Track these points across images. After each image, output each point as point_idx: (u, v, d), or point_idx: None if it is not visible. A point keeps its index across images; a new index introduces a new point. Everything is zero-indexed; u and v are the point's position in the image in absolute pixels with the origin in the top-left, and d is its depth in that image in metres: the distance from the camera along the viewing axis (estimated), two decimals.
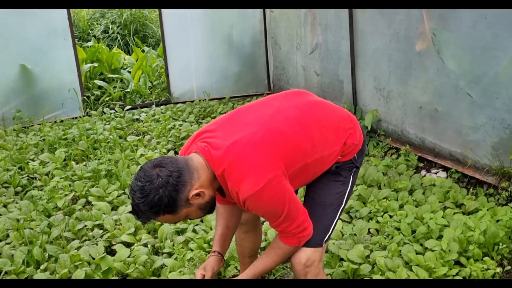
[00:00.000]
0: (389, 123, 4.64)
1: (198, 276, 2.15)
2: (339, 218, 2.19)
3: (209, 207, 1.97)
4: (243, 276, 2.11)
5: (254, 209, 1.94)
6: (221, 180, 1.93)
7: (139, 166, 2.02)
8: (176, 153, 4.97)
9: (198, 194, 1.88)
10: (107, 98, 6.92)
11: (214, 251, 2.27)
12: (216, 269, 2.20)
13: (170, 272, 2.88)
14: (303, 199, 2.25)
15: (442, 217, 3.26)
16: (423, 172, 4.20)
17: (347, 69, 5.06)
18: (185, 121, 5.83)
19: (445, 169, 4.13)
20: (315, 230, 2.07)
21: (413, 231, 3.23)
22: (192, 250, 3.12)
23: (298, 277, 2.12)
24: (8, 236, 3.34)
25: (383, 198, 3.68)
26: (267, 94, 6.87)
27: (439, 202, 3.54)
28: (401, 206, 3.57)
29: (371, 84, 4.77)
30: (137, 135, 5.54)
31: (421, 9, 3.96)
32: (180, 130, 5.40)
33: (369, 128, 4.62)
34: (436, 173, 4.13)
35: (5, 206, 3.81)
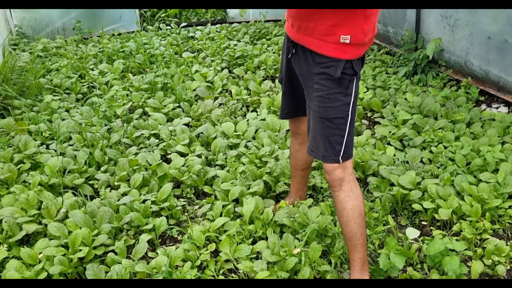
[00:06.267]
0: (452, 54, 4.45)
1: None
2: (350, 133, 2.15)
3: None
4: None
5: None
6: None
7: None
8: (230, 71, 4.98)
9: None
10: (163, 15, 6.91)
11: None
12: None
13: (222, 182, 2.97)
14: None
15: (500, 151, 3.18)
16: (483, 106, 4.06)
17: None
18: (240, 41, 5.78)
19: (507, 104, 3.97)
20: (325, 146, 2.11)
21: (468, 163, 3.18)
22: (244, 164, 3.19)
23: (333, 191, 2.20)
24: (71, 138, 3.51)
25: (439, 129, 3.60)
26: None
27: (498, 136, 3.44)
28: (457, 138, 3.49)
29: (437, 11, 4.54)
30: (192, 52, 5.56)
31: None
32: (234, 49, 5.37)
33: (430, 57, 4.44)
34: (497, 108, 3.98)
35: (67, 110, 3.98)
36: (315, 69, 2.11)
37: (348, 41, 2.03)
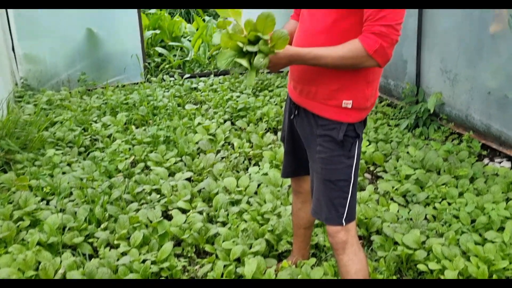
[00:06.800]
0: (453, 107, 4.48)
1: None
2: (353, 195, 2.14)
3: None
4: (298, 49, 1.91)
5: None
6: None
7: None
8: (233, 123, 5.01)
9: None
10: (167, 66, 7.02)
11: None
12: None
13: (223, 241, 2.93)
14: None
15: (505, 208, 3.14)
16: (486, 161, 4.05)
17: (412, 48, 4.89)
18: (243, 93, 5.84)
19: (510, 159, 3.95)
20: (328, 209, 2.11)
21: (473, 221, 3.14)
22: (245, 221, 3.15)
23: (336, 254, 2.17)
24: (71, 194, 3.49)
25: (442, 184, 3.58)
26: None
27: (502, 193, 3.41)
28: (460, 194, 3.46)
29: (437, 66, 4.60)
30: (195, 104, 5.61)
31: None
32: (237, 101, 5.41)
33: (431, 111, 4.47)
34: (500, 163, 3.97)
35: (69, 165, 3.97)
36: (317, 131, 2.11)
37: (350, 106, 2.04)
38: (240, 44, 1.80)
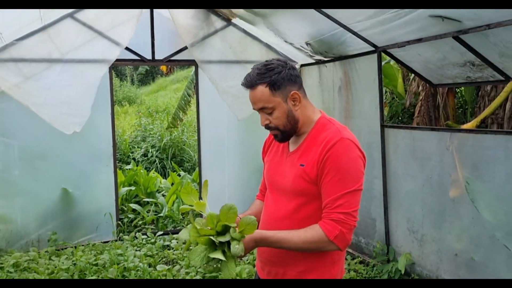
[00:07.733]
0: (423, 268, 4.52)
1: None
2: None
3: (290, 125, 2.09)
4: (263, 233, 2.02)
5: (339, 156, 1.96)
6: (316, 126, 2.11)
7: None
8: None
9: (296, 99, 2.08)
10: (140, 222, 7.03)
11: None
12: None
13: None
14: None
15: None
16: None
17: (379, 208, 5.06)
18: None
19: None
20: None
21: None
22: None
23: None
24: None
25: None
26: None
27: None
28: None
29: (404, 226, 4.73)
30: (166, 263, 5.52)
31: (454, 157, 4.04)
32: None
33: (402, 272, 4.50)
34: None
35: None
36: None
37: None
38: (211, 237, 1.87)
